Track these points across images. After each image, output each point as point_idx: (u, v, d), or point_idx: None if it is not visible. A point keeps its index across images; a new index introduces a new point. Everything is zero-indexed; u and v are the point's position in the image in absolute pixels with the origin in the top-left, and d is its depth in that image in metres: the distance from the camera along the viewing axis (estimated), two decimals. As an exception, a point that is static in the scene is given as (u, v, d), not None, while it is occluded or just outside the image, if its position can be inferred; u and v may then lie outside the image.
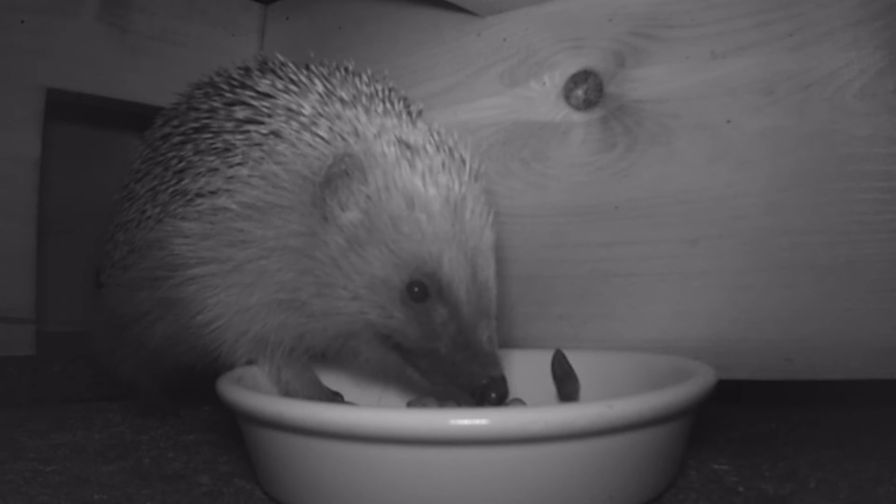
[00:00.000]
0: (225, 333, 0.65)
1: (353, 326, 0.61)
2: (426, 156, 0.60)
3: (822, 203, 0.70)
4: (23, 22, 0.95)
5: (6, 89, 0.94)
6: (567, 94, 0.84)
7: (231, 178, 0.64)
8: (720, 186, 0.75)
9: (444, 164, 0.60)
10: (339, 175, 0.59)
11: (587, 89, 0.83)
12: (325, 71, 0.70)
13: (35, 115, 0.96)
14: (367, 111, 0.64)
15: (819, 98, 0.71)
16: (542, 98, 0.86)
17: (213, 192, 0.64)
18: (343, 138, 0.61)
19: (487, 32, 0.90)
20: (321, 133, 0.62)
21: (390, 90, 0.70)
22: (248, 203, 0.62)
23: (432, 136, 0.62)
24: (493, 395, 0.57)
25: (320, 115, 0.64)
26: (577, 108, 0.84)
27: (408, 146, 0.60)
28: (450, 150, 0.62)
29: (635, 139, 0.80)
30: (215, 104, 0.70)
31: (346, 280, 0.59)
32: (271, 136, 0.64)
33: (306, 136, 0.62)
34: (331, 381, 0.72)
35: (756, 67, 0.74)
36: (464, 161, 0.62)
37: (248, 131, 0.65)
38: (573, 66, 0.84)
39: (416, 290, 0.58)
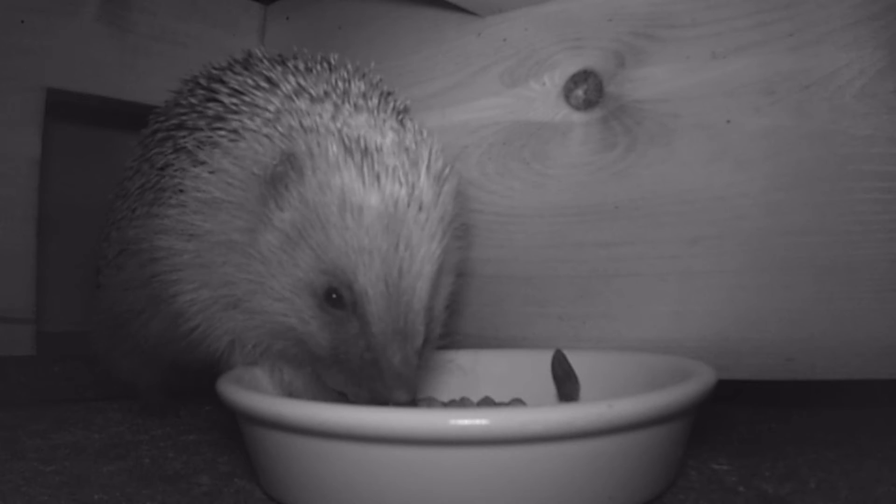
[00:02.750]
0: (197, 328, 0.65)
1: (278, 328, 0.61)
2: (378, 158, 0.57)
3: (822, 203, 0.70)
4: (23, 22, 0.95)
5: (6, 89, 0.94)
6: (567, 94, 0.84)
7: (195, 176, 0.64)
8: (720, 186, 0.75)
9: (395, 168, 0.57)
10: (282, 175, 0.58)
11: (587, 89, 0.83)
12: (302, 66, 0.69)
13: (35, 115, 0.96)
14: (336, 108, 0.63)
15: (819, 98, 0.71)
16: (542, 98, 0.86)
17: (181, 190, 0.65)
18: (293, 137, 0.60)
19: (487, 32, 0.90)
20: (280, 129, 0.61)
21: (371, 86, 0.69)
22: (201, 198, 0.63)
23: (396, 135, 0.60)
24: None
25: (286, 111, 0.63)
26: (577, 108, 0.83)
27: (360, 147, 0.57)
28: (409, 150, 0.59)
29: (635, 139, 0.80)
30: (194, 100, 0.70)
31: (272, 280, 0.59)
32: (233, 134, 0.64)
33: (265, 131, 0.62)
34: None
35: (756, 67, 0.73)
36: (423, 161, 0.59)
37: (215, 129, 0.65)
38: (573, 66, 0.84)
39: (333, 296, 0.57)
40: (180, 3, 1.08)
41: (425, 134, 0.63)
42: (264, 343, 0.65)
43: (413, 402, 0.56)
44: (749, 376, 0.73)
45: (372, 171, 0.56)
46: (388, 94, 0.70)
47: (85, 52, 1.00)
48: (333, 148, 0.57)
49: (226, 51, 1.09)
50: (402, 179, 0.57)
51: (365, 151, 0.57)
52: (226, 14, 1.13)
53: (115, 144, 1.26)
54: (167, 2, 1.07)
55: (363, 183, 0.56)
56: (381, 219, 0.56)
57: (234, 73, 0.70)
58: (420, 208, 0.57)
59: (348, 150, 0.57)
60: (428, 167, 0.59)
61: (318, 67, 0.70)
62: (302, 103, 0.63)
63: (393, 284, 0.56)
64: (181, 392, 0.87)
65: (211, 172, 0.63)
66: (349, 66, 0.71)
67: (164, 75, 1.01)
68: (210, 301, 0.63)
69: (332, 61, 0.71)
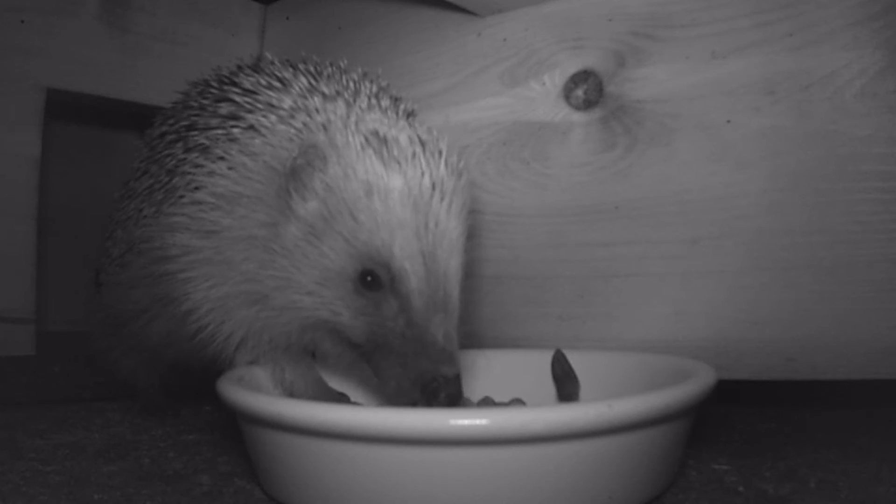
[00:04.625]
0: (208, 329, 0.65)
1: (309, 321, 0.61)
2: (396, 147, 0.58)
3: (822, 203, 0.70)
4: (23, 22, 0.95)
5: (6, 89, 0.94)
6: (567, 94, 0.84)
7: (210, 172, 0.64)
8: (720, 186, 0.75)
9: (414, 155, 0.58)
10: (303, 167, 0.58)
11: (587, 89, 0.83)
12: (312, 68, 0.70)
13: (35, 115, 0.96)
14: (348, 106, 0.64)
15: (819, 98, 0.71)
16: (542, 98, 0.86)
17: (196, 188, 0.65)
18: (312, 130, 0.60)
19: (487, 32, 0.90)
20: (295, 125, 0.62)
21: (381, 89, 0.70)
22: (219, 193, 0.63)
23: (412, 130, 0.61)
24: (443, 395, 0.54)
25: (299, 108, 0.63)
26: (577, 108, 0.84)
27: (378, 137, 0.59)
28: (425, 143, 0.60)
29: (635, 139, 0.80)
30: (205, 102, 0.71)
31: (300, 273, 0.59)
32: (249, 130, 0.64)
33: (280, 128, 0.62)
34: (336, 381, 0.72)
35: (756, 67, 0.74)
36: (440, 154, 0.60)
37: (229, 127, 0.65)
38: (573, 66, 0.84)
39: (369, 279, 0.57)
40: (180, 3, 1.08)
41: (436, 133, 0.64)
42: (285, 339, 0.64)
43: (458, 377, 0.56)
44: (749, 376, 0.73)
45: (392, 157, 0.58)
46: (397, 98, 0.70)
47: (85, 52, 1.00)
48: (353, 138, 0.58)
49: (226, 51, 1.10)
50: (423, 167, 0.58)
51: (384, 141, 0.58)
52: (226, 14, 1.13)
53: (115, 144, 1.27)
54: (167, 2, 1.07)
55: (386, 168, 0.57)
56: (408, 199, 0.57)
57: (246, 74, 0.70)
58: (442, 196, 0.58)
59: (368, 141, 0.58)
60: (445, 160, 0.60)
61: (329, 70, 0.71)
62: (315, 101, 0.64)
63: (429, 258, 0.57)
64: (181, 392, 0.87)
65: (228, 168, 0.63)
66: (359, 70, 0.72)
67: (164, 75, 1.02)
68: (226, 298, 0.63)
69: (342, 65, 0.72)
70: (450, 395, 0.55)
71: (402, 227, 0.56)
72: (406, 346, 0.56)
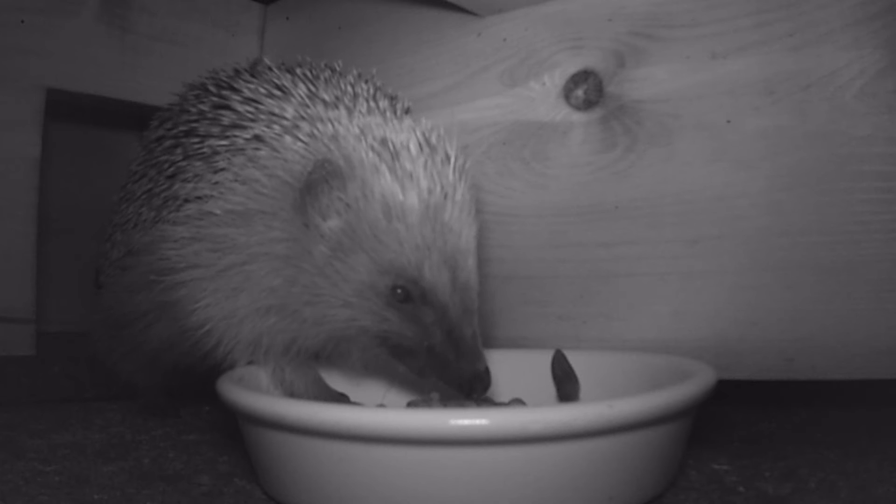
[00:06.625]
0: (215, 336, 0.65)
1: (347, 332, 0.62)
2: (407, 157, 0.59)
3: (822, 203, 0.70)
4: (23, 22, 0.95)
5: (6, 89, 0.94)
6: (567, 94, 0.84)
7: (216, 183, 0.64)
8: (720, 186, 0.75)
9: (425, 165, 0.60)
10: (318, 182, 0.59)
11: (587, 89, 0.83)
12: (309, 73, 0.70)
13: (35, 115, 0.96)
14: (349, 112, 0.64)
15: (819, 98, 0.71)
16: (542, 98, 0.86)
17: (199, 198, 0.65)
18: (323, 143, 0.61)
19: (487, 32, 0.90)
20: (302, 137, 0.62)
21: (377, 89, 0.70)
22: (231, 209, 0.63)
23: (416, 134, 0.62)
24: (480, 387, 0.59)
25: (302, 118, 0.64)
26: (577, 108, 0.84)
27: (388, 148, 0.59)
28: (433, 147, 0.61)
29: (635, 139, 0.80)
30: (203, 107, 0.70)
31: (334, 289, 0.60)
32: (253, 141, 0.64)
33: (287, 139, 0.62)
34: (335, 381, 0.72)
35: (756, 67, 0.74)
36: (448, 158, 0.62)
37: (231, 136, 0.65)
38: (573, 66, 0.84)
39: (399, 292, 0.59)
40: (180, 3, 1.08)
41: (441, 132, 0.65)
42: (301, 347, 0.65)
43: (488, 368, 0.60)
44: (749, 376, 0.73)
45: (405, 171, 0.59)
46: (394, 97, 0.71)
47: (85, 52, 0.99)
48: (365, 153, 0.59)
49: (226, 51, 1.10)
50: (435, 178, 0.60)
51: (395, 153, 0.59)
52: (226, 14, 1.13)
53: (115, 144, 1.27)
54: (167, 2, 1.07)
55: (400, 185, 0.58)
56: (425, 214, 0.58)
57: (245, 80, 0.70)
58: (454, 203, 0.60)
59: (379, 154, 0.59)
60: (452, 164, 0.62)
61: (326, 74, 0.71)
62: (318, 110, 0.64)
63: (451, 266, 0.59)
64: (181, 392, 0.87)
65: (236, 181, 0.63)
66: (354, 72, 0.72)
67: (164, 75, 1.02)
68: (238, 311, 0.63)
69: (337, 67, 0.72)
70: (484, 385, 0.60)
71: (426, 246, 0.58)
72: (447, 350, 0.59)
